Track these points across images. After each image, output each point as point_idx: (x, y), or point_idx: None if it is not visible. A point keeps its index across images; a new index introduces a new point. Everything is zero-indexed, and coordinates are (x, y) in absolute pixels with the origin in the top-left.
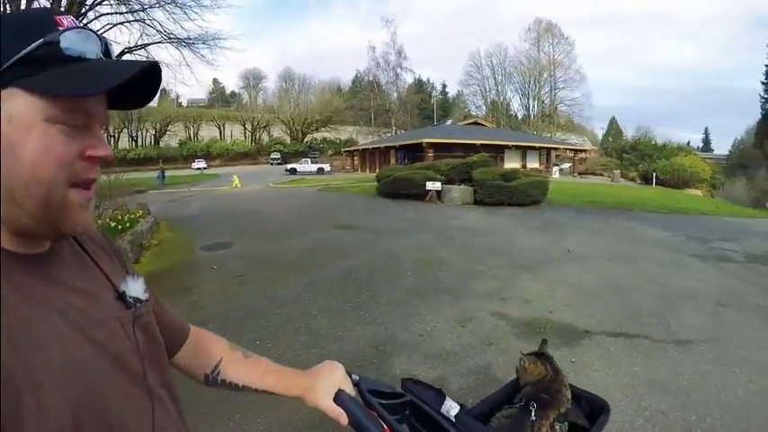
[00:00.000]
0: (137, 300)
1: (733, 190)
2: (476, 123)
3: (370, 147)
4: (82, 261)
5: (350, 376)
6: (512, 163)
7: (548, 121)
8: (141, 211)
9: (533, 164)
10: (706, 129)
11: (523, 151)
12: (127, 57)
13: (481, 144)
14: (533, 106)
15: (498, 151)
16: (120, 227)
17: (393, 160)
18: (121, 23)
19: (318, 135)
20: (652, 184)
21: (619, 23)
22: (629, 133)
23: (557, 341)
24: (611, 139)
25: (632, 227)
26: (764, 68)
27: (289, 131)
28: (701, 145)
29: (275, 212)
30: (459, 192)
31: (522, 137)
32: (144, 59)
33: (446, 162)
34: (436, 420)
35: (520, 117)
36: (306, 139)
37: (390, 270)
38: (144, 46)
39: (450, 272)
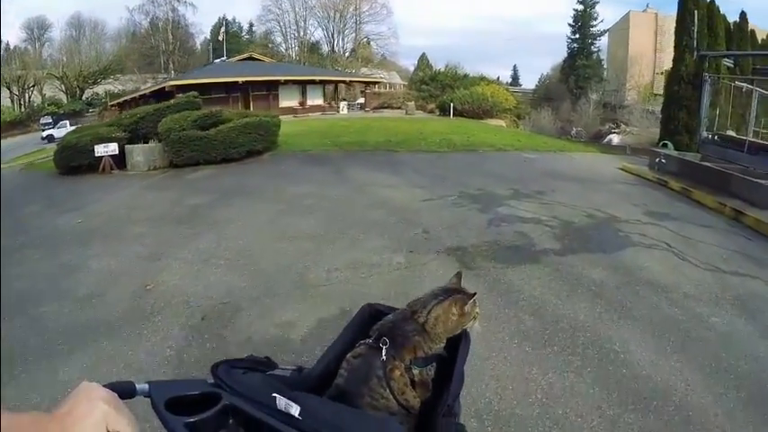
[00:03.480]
0: None
1: (539, 120)
2: (251, 59)
3: (129, 98)
4: None
5: (135, 388)
6: (288, 101)
7: (353, 57)
8: None
9: (316, 100)
10: (515, 66)
11: (303, 87)
12: None
13: (247, 81)
14: (338, 41)
15: (271, 89)
16: None
17: None
18: None
19: (100, 89)
20: (449, 115)
21: None
22: (439, 69)
23: None
24: (420, 74)
25: (371, 182)
26: (573, 12)
27: (65, 88)
28: (510, 80)
29: None
30: (142, 153)
31: (301, 70)
32: None
33: (132, 113)
34: (271, 426)
35: (325, 53)
36: (85, 96)
37: None
38: None
39: None
